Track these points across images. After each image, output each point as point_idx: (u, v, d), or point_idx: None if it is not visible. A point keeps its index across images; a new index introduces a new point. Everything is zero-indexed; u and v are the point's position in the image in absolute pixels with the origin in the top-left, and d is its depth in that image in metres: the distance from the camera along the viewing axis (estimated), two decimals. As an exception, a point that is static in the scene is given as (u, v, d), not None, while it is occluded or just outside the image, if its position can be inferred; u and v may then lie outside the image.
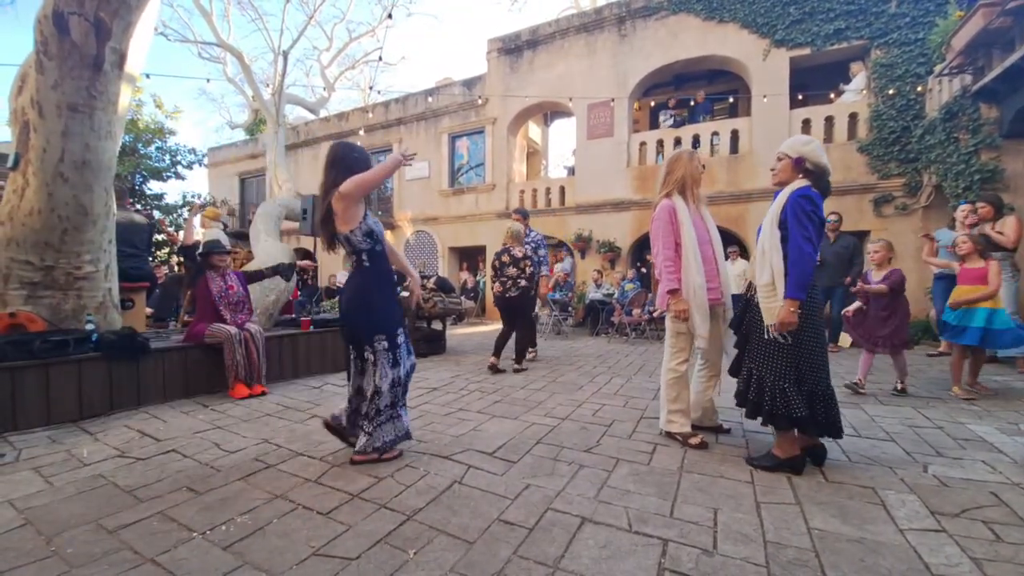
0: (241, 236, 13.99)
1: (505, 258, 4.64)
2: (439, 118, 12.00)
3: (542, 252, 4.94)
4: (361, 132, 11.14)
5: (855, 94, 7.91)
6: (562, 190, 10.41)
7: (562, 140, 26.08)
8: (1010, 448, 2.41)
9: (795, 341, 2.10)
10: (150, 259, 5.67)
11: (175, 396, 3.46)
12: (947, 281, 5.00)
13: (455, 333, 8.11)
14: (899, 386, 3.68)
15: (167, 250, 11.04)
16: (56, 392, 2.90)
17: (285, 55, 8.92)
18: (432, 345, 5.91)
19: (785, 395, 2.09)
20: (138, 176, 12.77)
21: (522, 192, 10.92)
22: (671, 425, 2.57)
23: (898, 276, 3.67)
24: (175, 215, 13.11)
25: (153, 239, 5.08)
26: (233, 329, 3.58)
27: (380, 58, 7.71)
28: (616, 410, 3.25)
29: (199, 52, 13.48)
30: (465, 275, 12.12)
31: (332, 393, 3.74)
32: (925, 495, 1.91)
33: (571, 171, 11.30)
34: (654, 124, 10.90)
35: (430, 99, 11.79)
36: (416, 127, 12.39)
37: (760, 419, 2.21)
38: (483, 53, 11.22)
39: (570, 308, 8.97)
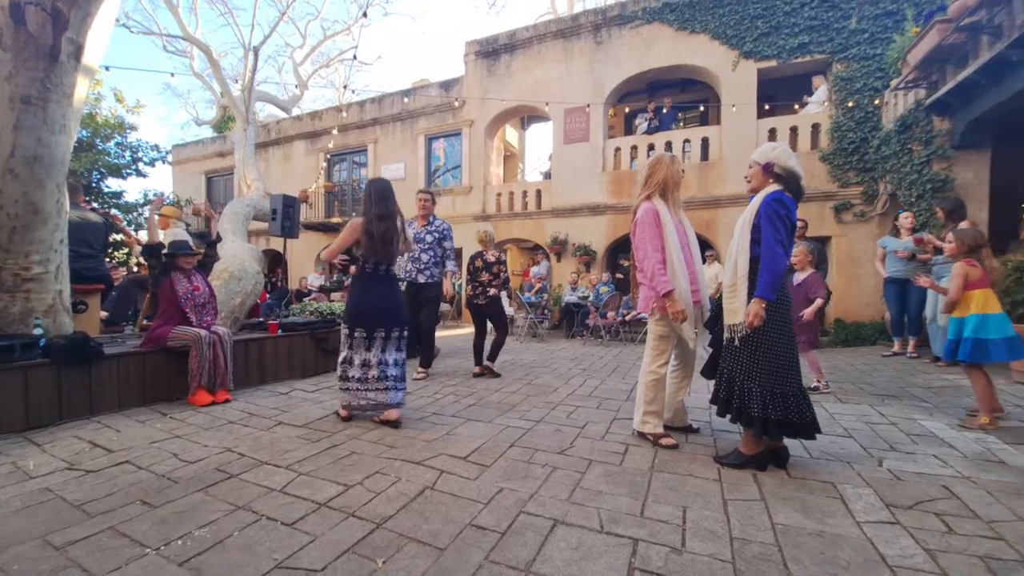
0: (203, 236, 13.52)
1: (479, 262, 4.61)
2: (416, 119, 11.91)
3: (447, 244, 4.57)
4: (335, 132, 10.95)
5: (818, 106, 8.27)
6: (539, 193, 10.48)
7: (539, 144, 26.55)
8: (960, 443, 2.54)
9: (768, 344, 2.15)
10: (106, 260, 5.38)
11: (130, 405, 3.28)
12: (899, 285, 5.27)
13: (430, 336, 8.00)
14: (815, 383, 3.80)
15: (125, 251, 10.54)
16: (0, 401, 2.71)
17: (256, 51, 8.65)
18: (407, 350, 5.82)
19: (751, 395, 2.14)
20: (95, 173, 12.16)
21: (499, 195, 10.93)
22: (645, 426, 2.60)
23: (814, 279, 3.85)
24: (135, 214, 12.53)
25: (110, 239, 4.82)
26: (203, 331, 3.44)
27: (355, 57, 7.55)
28: (590, 412, 3.28)
29: (164, 45, 12.93)
30: (441, 278, 12.02)
31: (300, 399, 3.64)
32: (881, 489, 1.99)
33: (548, 175, 11.38)
34: (629, 130, 11.12)
35: (406, 100, 11.69)
36: (392, 128, 12.25)
37: (728, 416, 2.27)
38: (460, 55, 11.21)
39: (546, 311, 9.02)
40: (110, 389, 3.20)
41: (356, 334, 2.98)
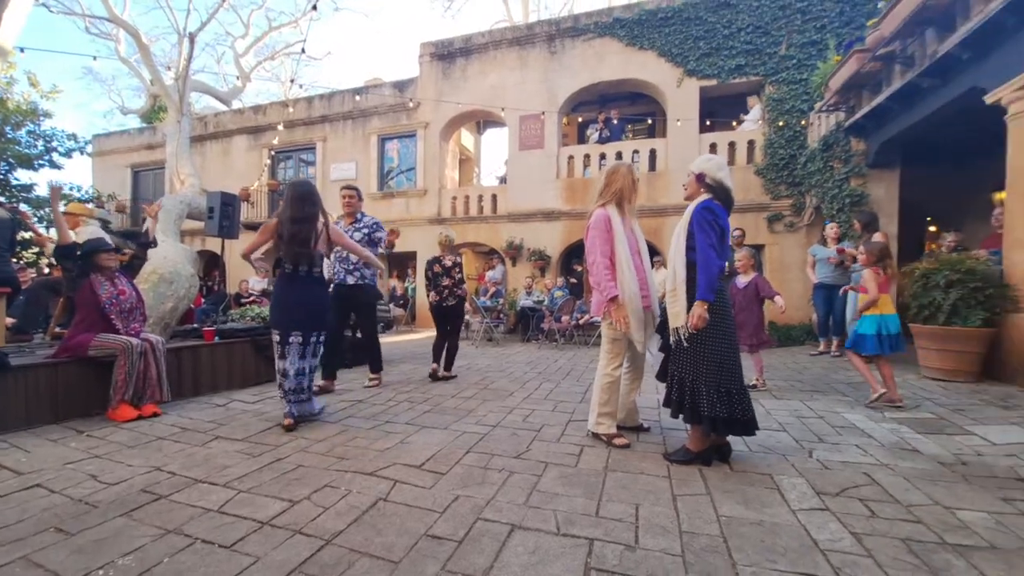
0: (132, 235, 12.39)
1: (437, 268, 4.66)
2: (368, 118, 11.59)
3: (378, 236, 4.33)
4: (280, 128, 10.41)
5: (753, 123, 8.90)
6: (494, 198, 10.51)
7: (495, 149, 26.52)
8: (878, 433, 2.79)
9: (711, 343, 2.26)
10: (13, 260, 4.78)
11: (41, 422, 2.93)
12: (826, 290, 5.76)
13: (383, 342, 7.76)
14: (754, 382, 4.03)
15: (35, 250, 9.46)
16: None
17: (192, 38, 8.08)
18: (358, 355, 5.63)
19: (699, 394, 2.25)
20: (3, 164, 10.81)
21: (454, 198, 10.86)
22: (599, 427, 2.67)
23: (763, 282, 4.17)
24: (47, 209, 11.30)
25: (17, 237, 4.28)
26: (134, 339, 3.13)
27: (303, 50, 7.20)
28: (546, 414, 3.30)
29: (87, 27, 11.76)
30: (394, 282, 11.75)
31: (240, 411, 3.41)
32: (811, 478, 2.15)
33: (503, 180, 11.45)
34: (582, 139, 11.42)
35: (358, 98, 11.34)
36: (342, 126, 11.85)
37: (682, 416, 2.36)
38: (415, 56, 11.06)
39: (502, 315, 9.04)
40: (17, 404, 2.84)
41: (275, 337, 3.00)
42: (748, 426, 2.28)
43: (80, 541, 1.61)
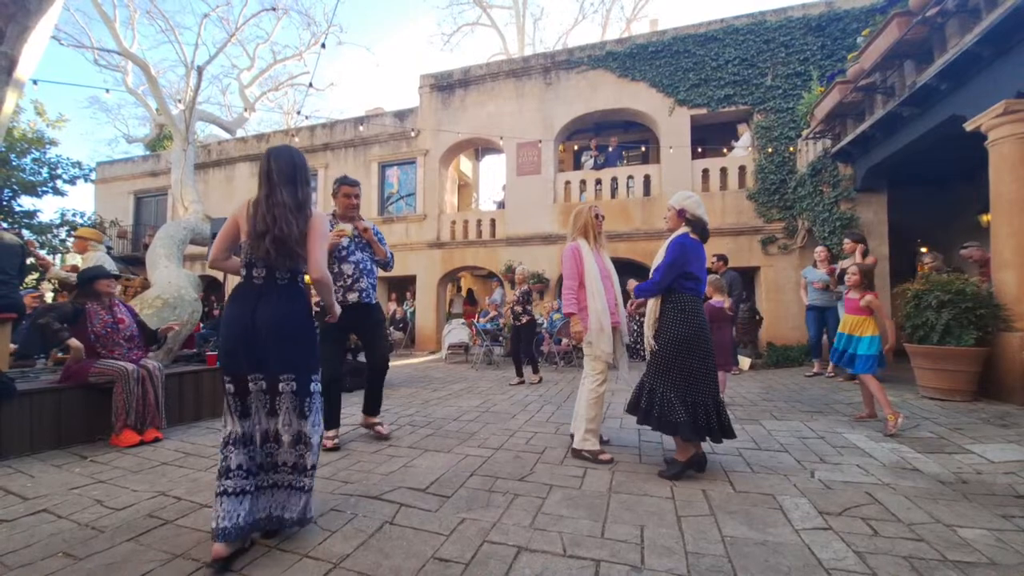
0: (134, 261, 12.45)
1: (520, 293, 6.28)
2: (369, 146, 11.86)
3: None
4: (283, 156, 10.64)
5: (743, 150, 9.16)
6: (492, 222, 10.67)
7: (493, 174, 27.05)
8: (879, 453, 2.82)
9: (683, 357, 2.45)
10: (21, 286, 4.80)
11: (45, 447, 2.93)
12: (817, 311, 5.84)
13: (382, 366, 7.75)
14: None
15: (35, 276, 9.49)
16: None
17: (200, 71, 8.36)
18: (358, 379, 5.62)
19: (671, 403, 2.41)
20: (7, 190, 10.95)
21: (453, 223, 11.01)
22: (585, 443, 2.77)
23: (718, 306, 4.32)
24: (50, 235, 11.38)
25: (27, 262, 4.34)
26: (130, 366, 3.15)
27: (311, 84, 7.43)
28: (548, 437, 3.31)
29: (96, 59, 12.14)
30: (393, 306, 11.78)
31: (243, 435, 3.39)
32: (814, 498, 2.17)
33: (501, 205, 11.65)
34: (577, 165, 11.69)
35: (361, 128, 11.65)
36: (344, 153, 12.12)
37: (651, 426, 2.51)
38: (415, 86, 11.42)
39: (501, 338, 9.05)
40: (21, 429, 2.84)
41: (227, 387, 1.81)
42: (727, 432, 2.45)
43: (89, 566, 1.61)
